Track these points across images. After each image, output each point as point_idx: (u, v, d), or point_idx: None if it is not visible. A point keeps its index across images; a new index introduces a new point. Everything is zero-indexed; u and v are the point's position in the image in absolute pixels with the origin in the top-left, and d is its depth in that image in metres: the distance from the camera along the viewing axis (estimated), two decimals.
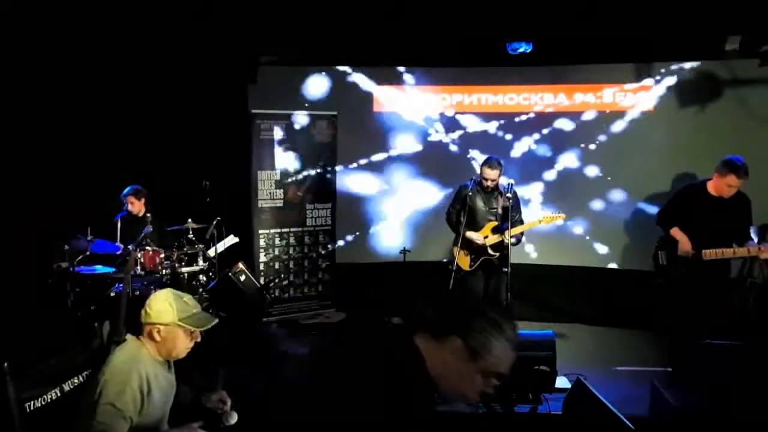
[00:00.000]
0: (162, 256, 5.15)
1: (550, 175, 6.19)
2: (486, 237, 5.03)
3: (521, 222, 5.10)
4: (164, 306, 2.36)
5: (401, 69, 6.32)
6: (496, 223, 5.02)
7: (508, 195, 4.86)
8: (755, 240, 4.36)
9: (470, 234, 4.98)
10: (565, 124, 6.11)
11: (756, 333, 4.24)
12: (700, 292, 4.40)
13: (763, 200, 5.15)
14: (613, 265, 6.04)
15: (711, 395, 3.30)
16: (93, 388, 2.25)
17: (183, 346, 2.40)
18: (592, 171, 6.07)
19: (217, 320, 2.46)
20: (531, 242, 6.18)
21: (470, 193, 4.99)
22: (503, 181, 5.01)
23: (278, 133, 6.03)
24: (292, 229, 6.21)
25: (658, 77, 5.86)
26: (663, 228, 4.68)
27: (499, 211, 5.03)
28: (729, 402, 3.19)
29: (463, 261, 5.07)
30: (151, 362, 2.35)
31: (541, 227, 5.65)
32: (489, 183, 4.96)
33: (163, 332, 2.35)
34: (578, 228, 6.10)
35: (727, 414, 3.14)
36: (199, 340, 2.43)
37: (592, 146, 6.06)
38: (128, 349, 2.36)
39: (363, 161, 6.42)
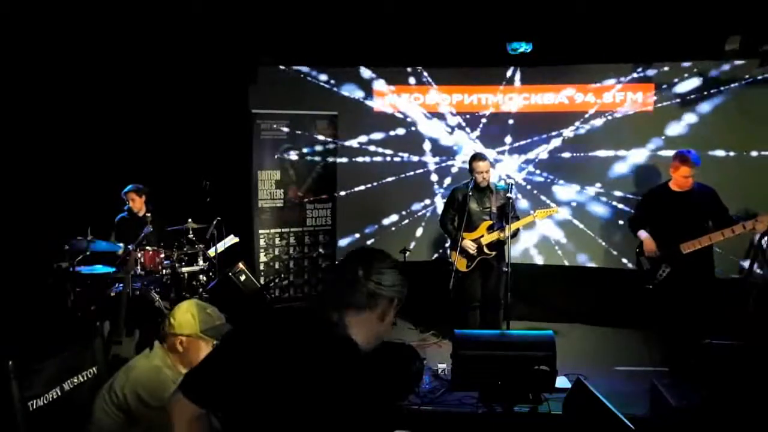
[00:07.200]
0: (162, 256, 5.16)
1: (549, 174, 6.18)
2: (481, 236, 5.04)
3: (517, 218, 5.11)
4: (187, 317, 2.35)
5: (401, 69, 6.31)
6: (491, 222, 5.03)
7: (509, 195, 4.88)
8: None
9: (465, 243, 5.01)
10: (564, 124, 6.10)
11: (756, 333, 4.23)
12: (687, 288, 4.45)
13: (764, 199, 5.17)
14: (613, 265, 6.03)
15: (711, 395, 3.31)
16: (107, 390, 2.25)
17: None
18: (591, 170, 6.06)
19: None
20: (531, 242, 6.18)
21: (469, 193, 5.01)
22: (499, 176, 5.02)
23: (278, 133, 6.03)
24: (292, 229, 6.21)
25: (657, 77, 5.86)
26: (633, 233, 4.75)
27: (494, 209, 5.05)
28: (729, 402, 3.19)
29: (461, 262, 5.09)
30: (174, 373, 2.33)
31: (540, 225, 5.67)
32: (484, 176, 4.97)
33: (185, 343, 2.34)
34: (578, 227, 6.10)
35: (727, 414, 3.14)
36: None
37: (592, 146, 6.05)
38: (155, 356, 2.36)
39: (363, 161, 6.41)
